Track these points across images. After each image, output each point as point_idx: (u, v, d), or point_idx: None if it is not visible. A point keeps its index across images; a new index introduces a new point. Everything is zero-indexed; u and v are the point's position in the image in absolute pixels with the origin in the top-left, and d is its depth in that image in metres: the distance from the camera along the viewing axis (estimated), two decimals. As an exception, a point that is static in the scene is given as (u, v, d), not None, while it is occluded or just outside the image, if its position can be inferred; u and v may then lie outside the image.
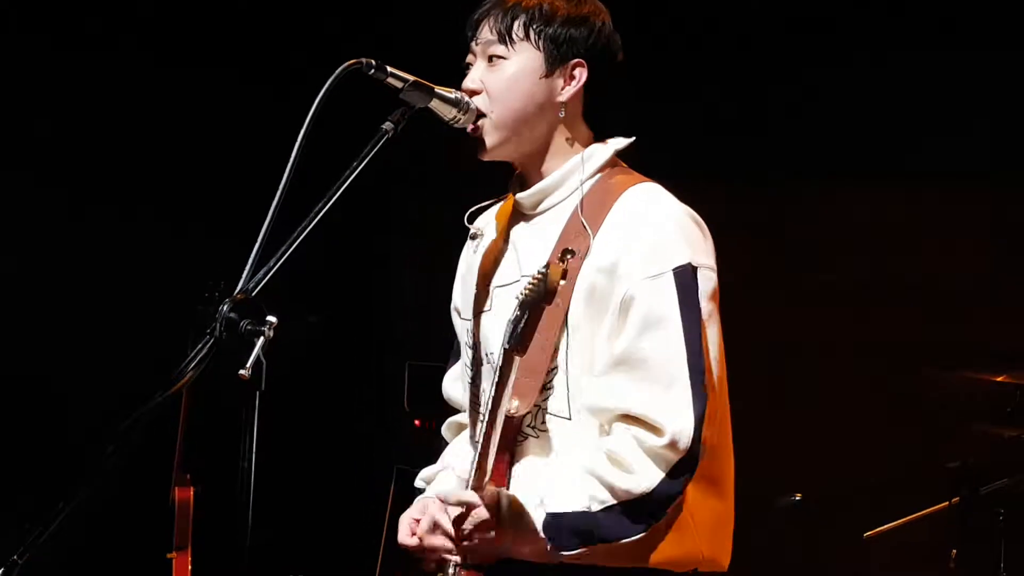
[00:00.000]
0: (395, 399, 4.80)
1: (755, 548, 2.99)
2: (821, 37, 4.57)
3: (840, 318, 4.51)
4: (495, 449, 2.06)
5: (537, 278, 1.94)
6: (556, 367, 2.10)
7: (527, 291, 1.94)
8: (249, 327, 1.90)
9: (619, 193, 2.14)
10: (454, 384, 2.42)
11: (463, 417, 2.40)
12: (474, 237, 2.31)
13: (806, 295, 3.24)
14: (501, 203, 2.32)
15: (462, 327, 2.32)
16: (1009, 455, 3.86)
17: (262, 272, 1.95)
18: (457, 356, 2.39)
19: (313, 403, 5.23)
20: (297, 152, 1.99)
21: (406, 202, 5.32)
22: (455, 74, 2.23)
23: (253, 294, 1.93)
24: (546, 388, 2.10)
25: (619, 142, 2.21)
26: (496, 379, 2.02)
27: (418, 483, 2.39)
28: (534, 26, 2.14)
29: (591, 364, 2.09)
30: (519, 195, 2.22)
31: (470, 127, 2.18)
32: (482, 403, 2.16)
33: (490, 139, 2.17)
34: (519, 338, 1.96)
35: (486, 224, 2.32)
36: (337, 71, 2.03)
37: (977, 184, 4.35)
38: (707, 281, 2.08)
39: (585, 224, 2.11)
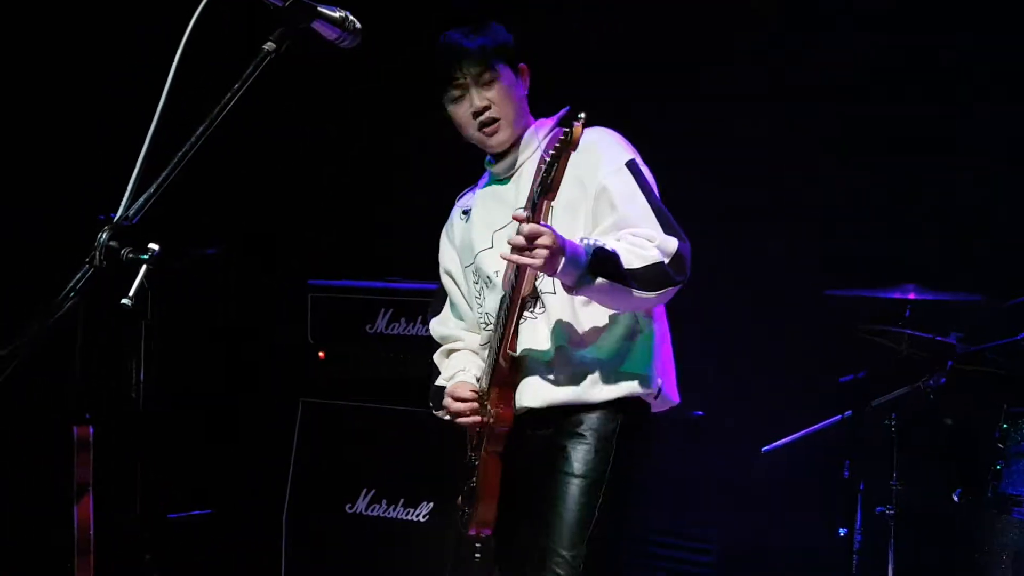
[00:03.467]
0: (299, 331, 4.77)
1: (660, 461, 3.07)
2: None
3: (737, 235, 4.57)
4: (513, 327, 2.77)
5: (560, 138, 2.52)
6: None
7: (553, 149, 2.54)
8: (131, 255, 1.88)
9: None
10: (443, 325, 3.13)
11: (454, 345, 3.11)
12: (467, 212, 3.04)
13: (703, 215, 3.29)
14: (477, 186, 3.05)
15: (465, 275, 3.04)
16: (898, 369, 3.96)
17: (143, 199, 1.93)
18: (437, 309, 3.14)
19: (217, 336, 5.19)
20: (172, 77, 1.95)
21: (319, 136, 5.25)
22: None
23: (134, 221, 1.91)
24: (537, 278, 2.79)
25: (560, 113, 2.93)
26: (514, 271, 2.70)
27: (440, 382, 3.03)
28: (498, 51, 2.90)
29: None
30: (496, 168, 2.98)
31: (487, 137, 2.91)
32: (485, 312, 2.96)
33: (504, 134, 2.92)
34: (550, 184, 2.56)
35: (468, 201, 3.06)
36: (210, -9, 2.02)
37: (862, 100, 4.41)
38: (646, 169, 2.86)
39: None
